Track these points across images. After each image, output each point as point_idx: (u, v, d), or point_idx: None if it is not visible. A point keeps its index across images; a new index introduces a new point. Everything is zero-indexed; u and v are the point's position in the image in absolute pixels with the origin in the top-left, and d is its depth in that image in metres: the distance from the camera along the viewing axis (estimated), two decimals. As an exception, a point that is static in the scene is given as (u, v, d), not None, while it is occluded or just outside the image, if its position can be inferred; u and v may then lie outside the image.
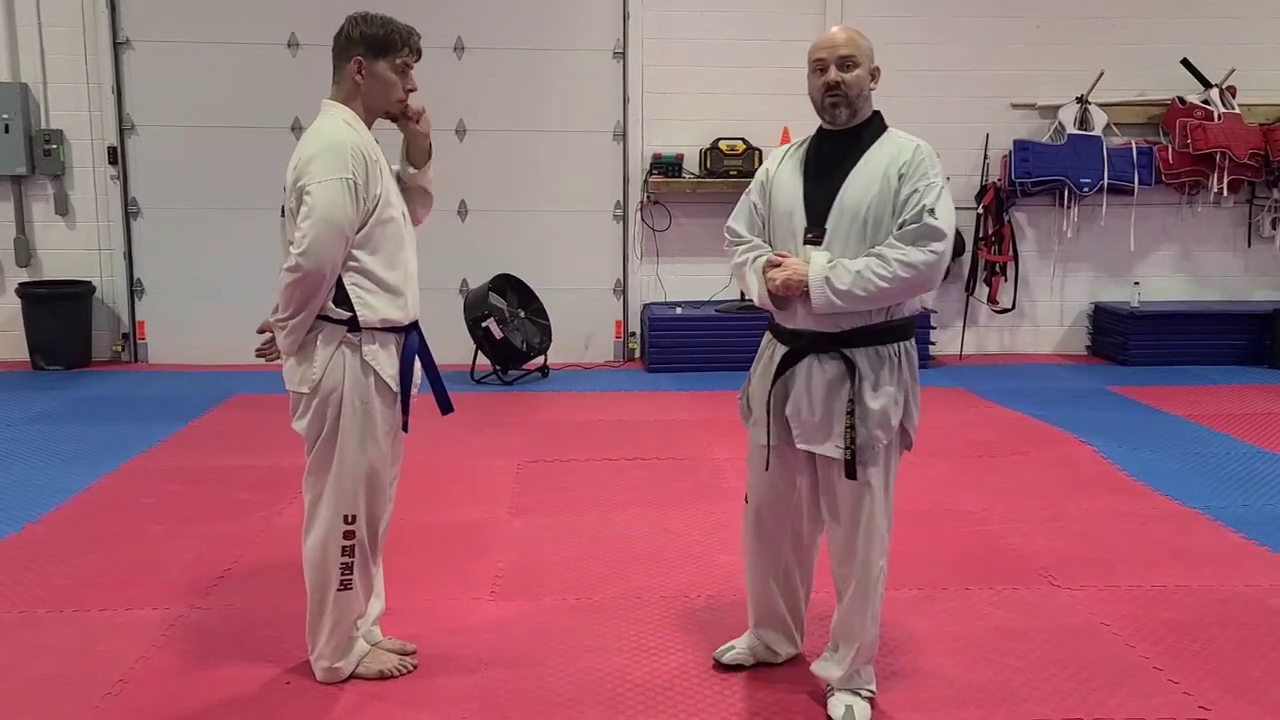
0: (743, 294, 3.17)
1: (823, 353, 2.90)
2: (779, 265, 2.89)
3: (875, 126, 2.98)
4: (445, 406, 3.31)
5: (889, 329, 2.90)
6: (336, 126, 2.98)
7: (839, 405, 2.87)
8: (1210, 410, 6.68)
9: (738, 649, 3.29)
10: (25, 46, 7.95)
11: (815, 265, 2.83)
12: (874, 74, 2.96)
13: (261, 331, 3.22)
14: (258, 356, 3.27)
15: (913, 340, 2.98)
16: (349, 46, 3.02)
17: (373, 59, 3.01)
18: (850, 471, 2.87)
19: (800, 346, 2.93)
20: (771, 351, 3.03)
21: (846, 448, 2.85)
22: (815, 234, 2.89)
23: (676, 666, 3.30)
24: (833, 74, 2.88)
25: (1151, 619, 3.64)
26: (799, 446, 2.96)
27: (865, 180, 2.87)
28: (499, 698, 3.12)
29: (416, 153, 3.23)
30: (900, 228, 2.81)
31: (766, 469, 3.06)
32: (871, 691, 3.04)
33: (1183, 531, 4.50)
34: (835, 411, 2.88)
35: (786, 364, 2.96)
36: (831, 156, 2.95)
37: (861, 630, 2.99)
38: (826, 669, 3.07)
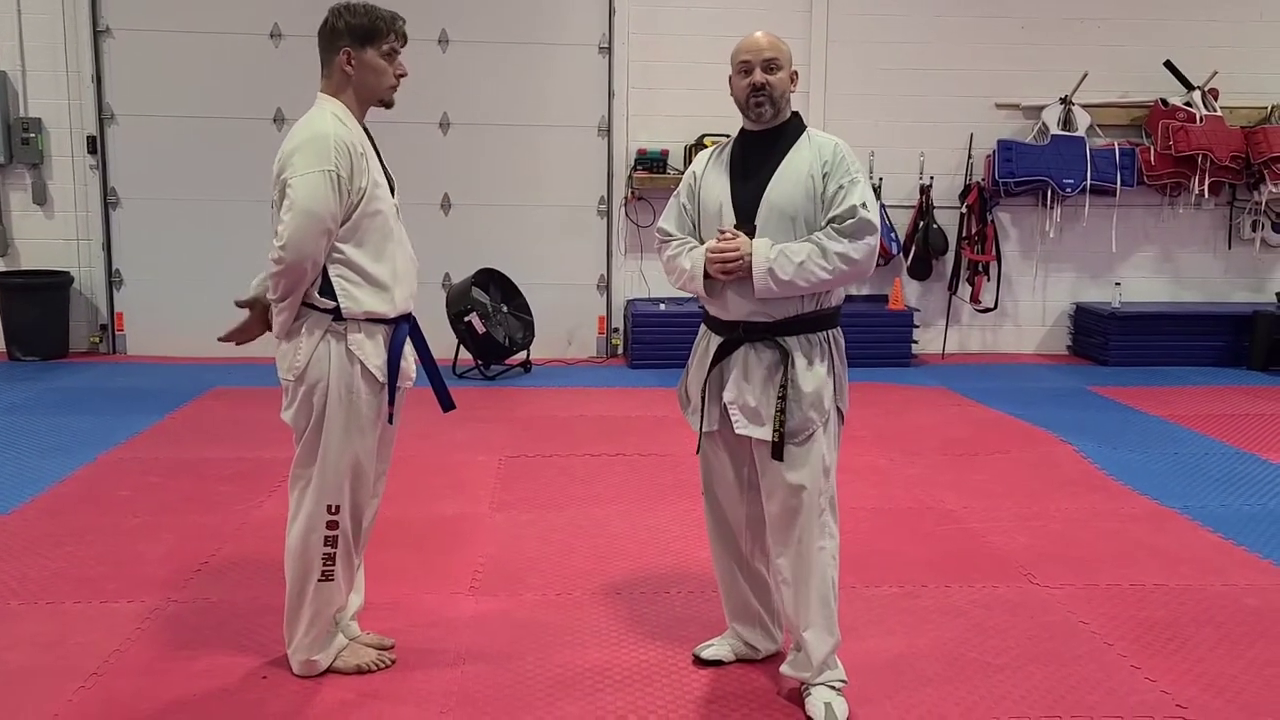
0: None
1: (758, 341, 2.98)
2: (729, 238, 2.94)
3: (795, 126, 3.07)
4: (446, 404, 3.29)
5: (819, 317, 3.00)
6: (323, 119, 2.96)
7: (775, 389, 2.95)
8: (1189, 410, 6.72)
9: (717, 645, 3.31)
10: (4, 33, 7.88)
11: (759, 252, 2.90)
12: (794, 77, 3.07)
13: (241, 305, 3.19)
14: (219, 339, 3.25)
15: (840, 328, 3.08)
16: (335, 38, 3.01)
17: (360, 48, 3.00)
18: (777, 453, 2.93)
19: (736, 336, 3.00)
20: (707, 343, 3.11)
21: (775, 429, 2.92)
22: (745, 230, 2.97)
23: (656, 661, 3.30)
24: (758, 75, 2.98)
25: (1130, 617, 3.65)
26: (738, 432, 3.01)
27: (791, 178, 2.97)
28: (478, 692, 3.10)
29: None
30: (831, 221, 2.92)
31: (698, 452, 3.14)
32: (843, 681, 3.04)
33: (1161, 531, 4.53)
34: (772, 396, 2.96)
35: (722, 354, 3.03)
36: (755, 155, 3.05)
37: (809, 613, 2.97)
38: (795, 669, 3.07)
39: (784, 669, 3.12)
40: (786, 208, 2.96)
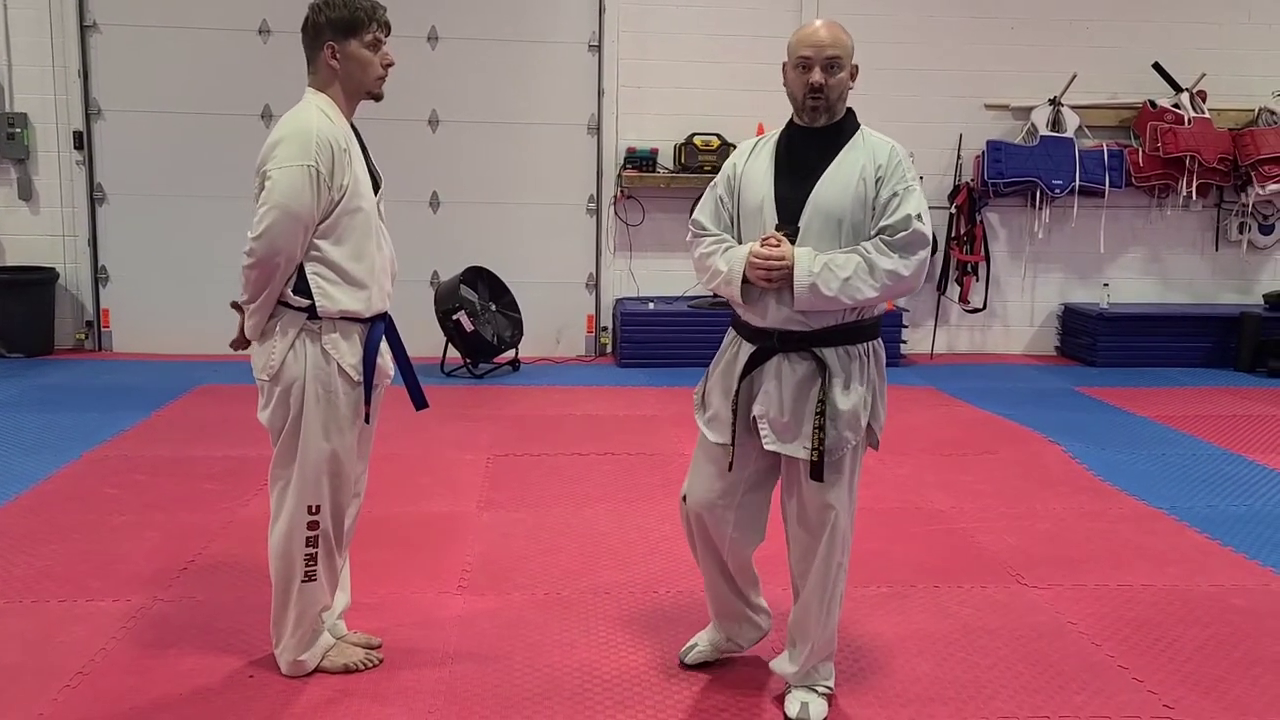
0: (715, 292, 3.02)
1: (792, 351, 2.84)
2: (775, 244, 2.78)
3: (850, 125, 2.92)
4: (419, 402, 3.27)
5: (859, 329, 2.86)
6: (308, 114, 2.94)
7: (809, 405, 2.83)
8: (1177, 411, 6.74)
9: (700, 646, 3.26)
10: (-10, 28, 7.83)
11: (802, 263, 2.75)
12: (853, 73, 2.90)
13: (235, 307, 3.17)
14: (231, 348, 3.22)
15: (880, 340, 2.95)
16: (318, 33, 2.99)
17: (343, 40, 2.97)
18: (817, 473, 2.82)
19: (769, 345, 2.87)
20: (736, 349, 2.96)
21: (814, 449, 2.81)
22: (788, 231, 2.81)
23: (644, 662, 3.29)
24: (817, 75, 2.81)
25: (1117, 618, 3.66)
26: (767, 447, 2.89)
27: (841, 181, 2.82)
28: (465, 692, 3.09)
29: None
30: (882, 232, 2.78)
31: (730, 470, 2.95)
32: (829, 688, 3.02)
33: (1148, 531, 4.54)
34: (805, 411, 2.83)
35: (754, 363, 2.89)
36: (804, 154, 2.88)
37: (819, 627, 2.96)
38: (783, 666, 3.07)
39: (773, 665, 3.12)
40: (833, 211, 2.80)
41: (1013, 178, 8.30)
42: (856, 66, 2.90)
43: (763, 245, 2.79)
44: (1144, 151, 8.37)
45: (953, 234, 8.51)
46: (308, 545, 3.04)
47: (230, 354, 3.28)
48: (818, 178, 2.83)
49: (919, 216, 2.78)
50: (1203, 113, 8.36)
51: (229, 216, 7.63)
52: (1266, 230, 8.77)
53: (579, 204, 8.40)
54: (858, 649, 3.40)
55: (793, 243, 2.80)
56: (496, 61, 8.14)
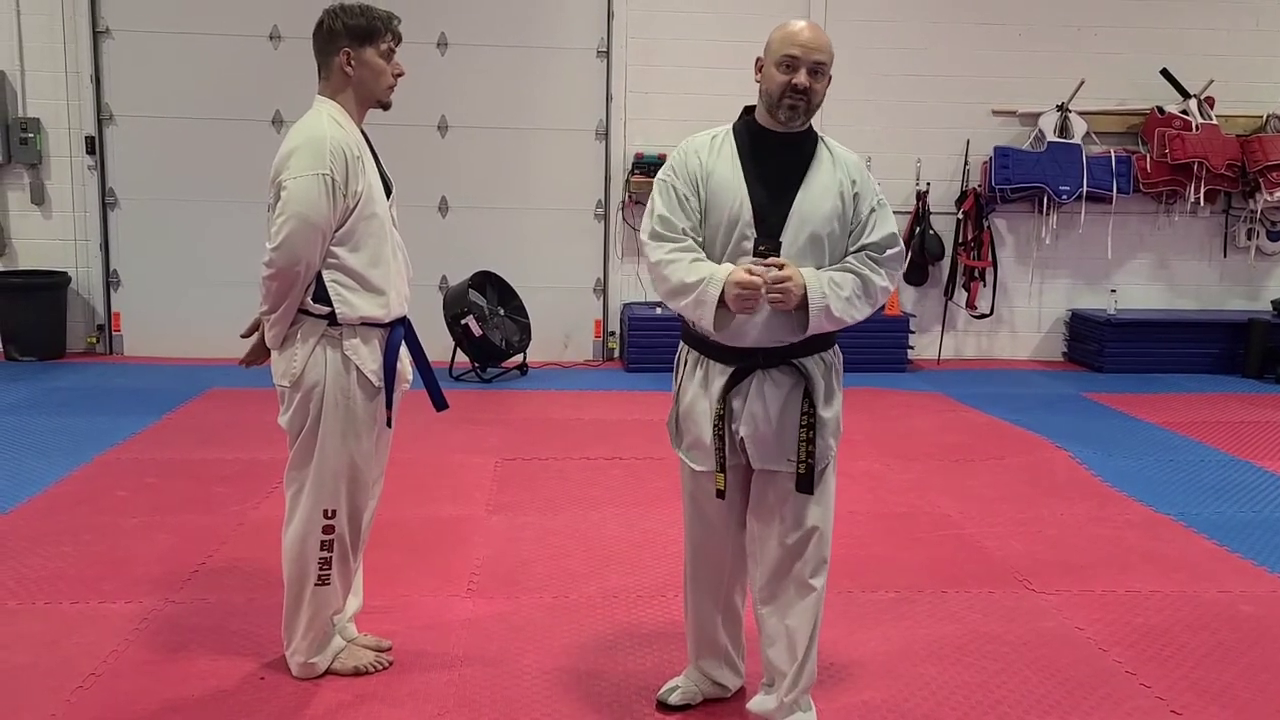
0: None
1: (773, 368, 2.74)
2: (781, 267, 2.63)
3: (812, 132, 2.81)
4: (439, 403, 3.29)
5: (827, 336, 2.79)
6: (320, 122, 2.96)
7: (795, 418, 2.73)
8: (1184, 418, 6.74)
9: (683, 689, 3.07)
10: (3, 33, 7.87)
11: (813, 284, 2.64)
12: (828, 81, 2.77)
13: (246, 335, 3.19)
14: (242, 365, 3.24)
15: (838, 345, 2.88)
16: (333, 39, 3.00)
17: (359, 48, 3.00)
18: (805, 485, 2.72)
19: (751, 364, 2.73)
20: (705, 370, 2.81)
21: (802, 460, 2.72)
22: (769, 246, 2.66)
23: (652, 666, 3.30)
24: (802, 77, 2.67)
25: (1125, 624, 3.67)
26: (756, 466, 2.78)
27: (819, 194, 2.73)
28: (474, 695, 3.11)
29: None
30: (865, 249, 2.74)
31: (722, 496, 2.81)
32: (809, 711, 2.87)
33: (1156, 537, 4.54)
34: (791, 425, 2.73)
35: (732, 383, 2.74)
36: (772, 159, 2.75)
37: (807, 657, 2.81)
38: (764, 704, 2.89)
39: (752, 706, 2.95)
40: (818, 226, 2.69)
41: (1020, 184, 8.30)
42: (831, 76, 2.76)
43: (763, 266, 2.62)
44: (1152, 158, 8.36)
45: (960, 240, 8.51)
46: (322, 549, 3.06)
47: (240, 357, 3.29)
48: (794, 187, 2.73)
49: (896, 234, 2.80)
50: (1211, 119, 8.36)
51: (240, 221, 7.69)
52: (1274, 236, 8.76)
53: (587, 209, 8.42)
54: (863, 654, 3.40)
55: (775, 256, 2.67)
56: (505, 67, 8.17)
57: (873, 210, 2.77)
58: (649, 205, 2.82)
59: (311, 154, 2.89)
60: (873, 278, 2.73)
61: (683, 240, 2.73)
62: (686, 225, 2.74)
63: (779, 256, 2.66)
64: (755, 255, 2.67)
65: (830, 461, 2.82)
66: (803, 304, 2.64)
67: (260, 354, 3.18)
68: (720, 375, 2.77)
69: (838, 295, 2.67)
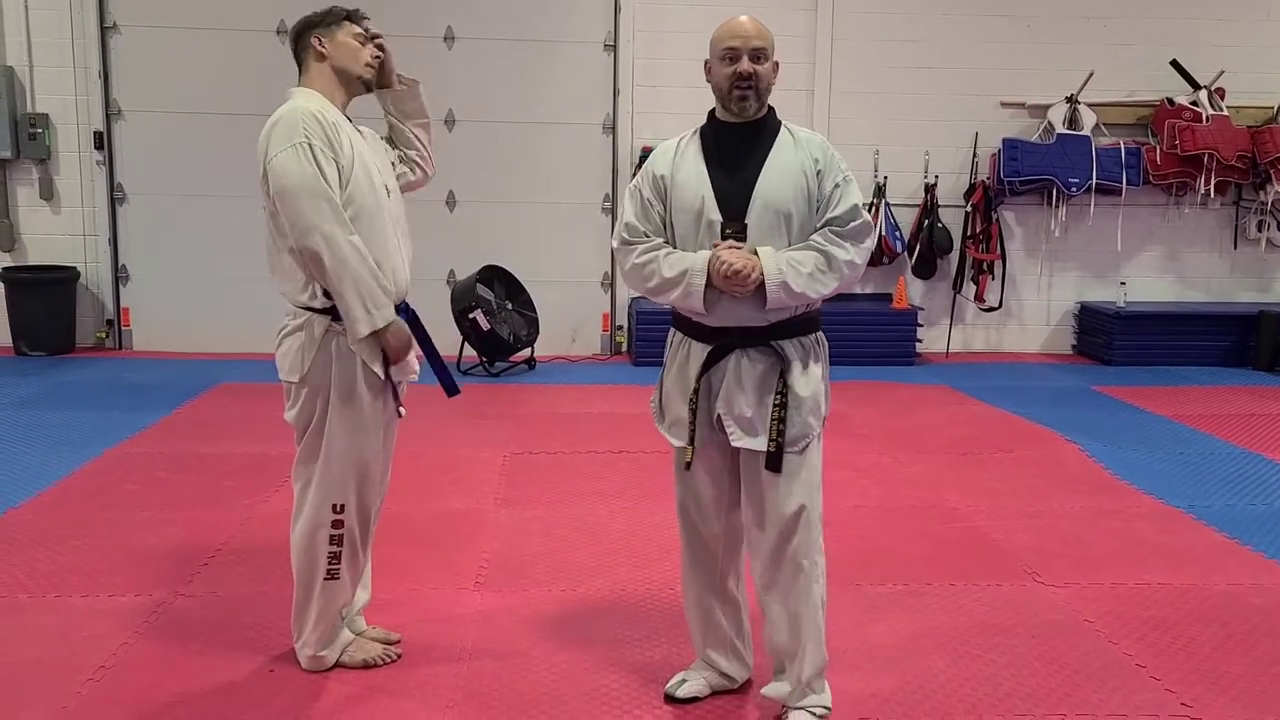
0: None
1: (750, 348, 2.81)
2: (734, 251, 2.73)
3: (773, 121, 2.89)
4: (450, 389, 3.27)
5: (807, 321, 2.86)
6: (291, 103, 2.98)
7: (772, 396, 2.80)
8: (1194, 410, 6.72)
9: (691, 681, 3.08)
10: (11, 29, 7.90)
11: (769, 263, 2.72)
12: (775, 67, 2.84)
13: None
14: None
15: (823, 332, 2.94)
16: (304, 31, 3.09)
17: (330, 30, 3.07)
18: (774, 463, 2.78)
19: (728, 343, 2.82)
20: (687, 351, 2.90)
21: (773, 438, 2.77)
22: (735, 229, 2.76)
23: (660, 659, 3.30)
24: (745, 65, 2.75)
25: (1134, 616, 3.66)
26: (734, 444, 2.83)
27: (781, 174, 2.80)
28: (483, 688, 3.11)
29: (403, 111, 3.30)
30: (830, 223, 2.79)
31: (688, 469, 2.92)
32: (826, 708, 2.90)
33: (1166, 530, 4.53)
34: (768, 403, 2.80)
35: (710, 362, 2.84)
36: (735, 149, 2.84)
37: (813, 638, 2.85)
38: (778, 690, 2.94)
39: (766, 691, 2.99)
40: (781, 205, 2.77)
41: (1029, 176, 8.27)
42: (777, 63, 2.84)
43: (725, 251, 2.72)
44: (1161, 149, 8.33)
45: (968, 232, 8.49)
46: (331, 544, 3.06)
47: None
48: (755, 170, 2.80)
49: (861, 205, 2.83)
50: (1221, 110, 8.31)
51: (249, 216, 7.62)
52: (1285, 228, 8.73)
53: (594, 203, 8.42)
54: (873, 646, 3.40)
55: (743, 240, 2.76)
56: (512, 61, 8.17)
57: (836, 186, 2.81)
58: (619, 211, 2.91)
59: (285, 129, 2.89)
60: (835, 252, 2.77)
61: (649, 240, 2.86)
62: (649, 229, 2.87)
63: (745, 238, 2.76)
64: (722, 239, 2.77)
65: (812, 440, 2.84)
66: (762, 285, 2.72)
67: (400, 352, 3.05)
68: (700, 353, 2.86)
69: (798, 272, 2.73)
